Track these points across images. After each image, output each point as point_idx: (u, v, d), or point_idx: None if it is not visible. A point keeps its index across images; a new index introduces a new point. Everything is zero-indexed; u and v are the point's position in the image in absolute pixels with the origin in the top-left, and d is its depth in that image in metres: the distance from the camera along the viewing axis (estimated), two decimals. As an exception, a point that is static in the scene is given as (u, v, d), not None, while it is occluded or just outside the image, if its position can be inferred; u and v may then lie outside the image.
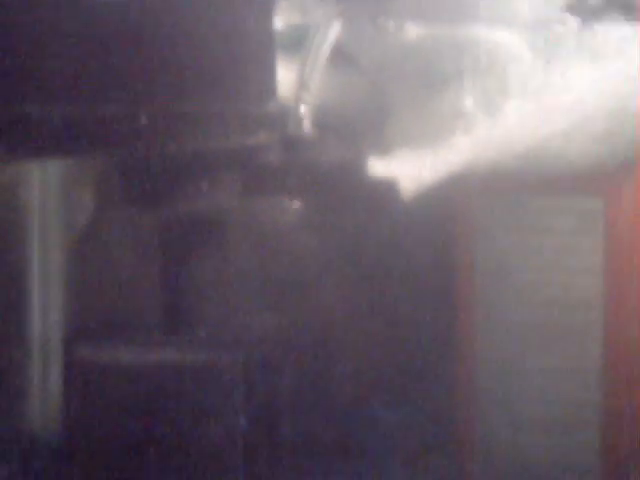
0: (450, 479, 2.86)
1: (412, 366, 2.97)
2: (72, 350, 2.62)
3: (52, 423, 3.14)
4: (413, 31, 2.57)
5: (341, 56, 2.59)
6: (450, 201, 2.84)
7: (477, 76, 2.57)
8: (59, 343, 2.99)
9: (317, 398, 2.76)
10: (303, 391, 2.69)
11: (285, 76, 2.49)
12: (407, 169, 2.55)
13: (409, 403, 2.97)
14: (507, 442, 2.88)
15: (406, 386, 2.97)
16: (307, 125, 2.49)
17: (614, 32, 2.61)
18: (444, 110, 2.61)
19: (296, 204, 2.77)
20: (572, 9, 2.56)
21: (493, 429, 2.89)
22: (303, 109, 2.49)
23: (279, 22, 2.56)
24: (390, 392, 2.98)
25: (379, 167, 2.53)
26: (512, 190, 2.84)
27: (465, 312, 2.92)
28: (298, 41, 2.53)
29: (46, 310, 3.16)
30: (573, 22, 2.60)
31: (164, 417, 2.48)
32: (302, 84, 2.48)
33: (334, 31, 2.48)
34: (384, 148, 2.56)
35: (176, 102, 2.31)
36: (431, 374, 2.96)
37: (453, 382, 2.91)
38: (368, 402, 2.98)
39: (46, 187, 3.07)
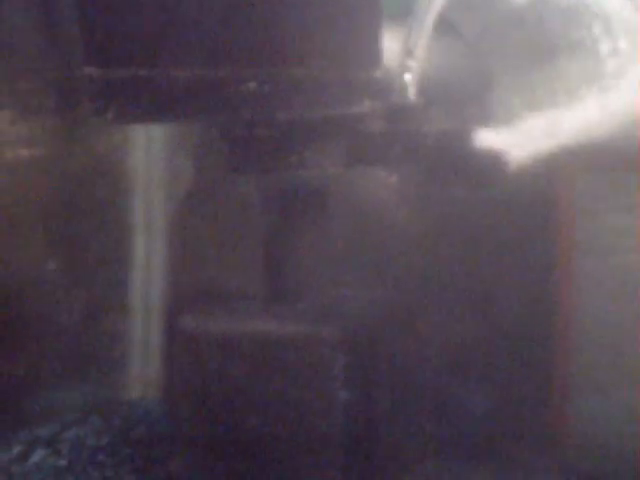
0: (543, 463, 2.82)
1: (506, 349, 2.94)
2: (174, 320, 2.63)
3: (152, 391, 3.20)
4: (520, -2, 2.54)
5: (446, 24, 2.58)
6: (553, 176, 2.80)
7: (587, 45, 2.52)
8: (161, 313, 3.04)
9: (413, 372, 2.74)
10: (401, 366, 2.67)
11: (391, 43, 2.48)
12: (510, 141, 2.52)
13: (502, 388, 2.94)
14: (603, 430, 2.82)
15: (499, 370, 2.94)
16: (412, 93, 2.48)
17: None
18: (550, 81, 2.57)
19: (400, 173, 2.76)
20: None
21: (589, 416, 2.84)
22: (408, 77, 2.48)
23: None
24: (482, 375, 2.95)
25: (482, 138, 2.50)
26: (616, 167, 2.79)
27: (564, 293, 2.87)
28: (404, 8, 2.52)
29: (149, 279, 3.22)
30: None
31: (264, 387, 2.48)
32: (407, 52, 2.47)
33: (440, -2, 2.47)
34: (488, 119, 2.53)
35: (284, 68, 2.33)
36: (526, 357, 2.92)
37: (549, 367, 2.87)
38: (460, 383, 2.96)
39: (151, 152, 3.12)
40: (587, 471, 2.79)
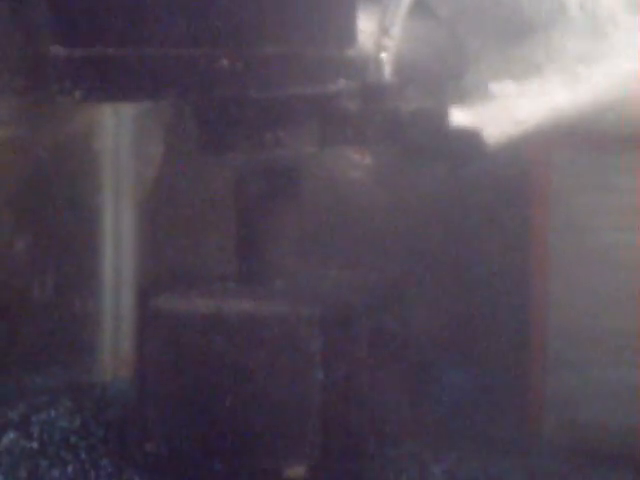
0: (522, 440, 2.84)
1: (485, 326, 2.96)
2: (146, 301, 2.60)
3: (124, 373, 3.18)
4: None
5: (421, 3, 2.56)
6: (528, 155, 2.81)
7: (561, 26, 2.52)
8: (132, 294, 3.02)
9: (392, 351, 2.75)
10: (379, 344, 2.68)
11: (366, 23, 2.47)
12: (485, 121, 2.52)
13: (482, 364, 2.96)
14: (579, 404, 2.84)
15: (479, 347, 2.96)
16: (387, 72, 2.46)
17: None
18: (524, 62, 2.57)
19: (376, 152, 2.76)
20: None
21: (565, 390, 2.86)
22: (383, 56, 2.47)
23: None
24: (461, 354, 2.97)
25: (458, 117, 2.50)
26: (592, 147, 2.80)
27: (539, 271, 2.89)
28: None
29: (119, 260, 3.20)
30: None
31: (242, 366, 2.47)
32: (383, 31, 2.45)
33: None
34: (463, 98, 2.53)
35: (257, 45, 2.30)
36: (504, 335, 2.94)
37: (526, 343, 2.88)
38: (442, 360, 2.98)
39: (119, 134, 3.10)
40: (565, 446, 2.81)
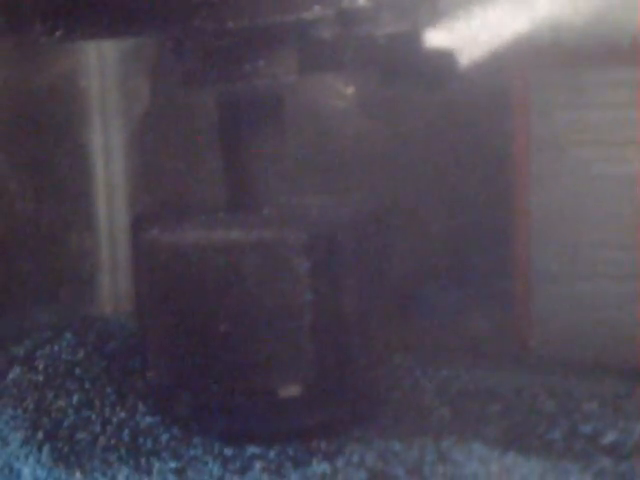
0: (510, 355, 2.91)
1: (469, 246, 3.01)
2: (139, 233, 2.65)
3: (124, 306, 3.26)
4: None
5: None
6: (506, 74, 2.83)
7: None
8: (126, 227, 3.07)
9: (379, 274, 2.80)
10: (365, 267, 2.73)
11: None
12: (463, 41, 2.54)
13: (469, 282, 3.01)
14: (563, 316, 2.91)
15: (464, 268, 3.01)
16: (361, -3, 2.48)
17: None
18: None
19: (353, 78, 2.77)
20: None
21: (550, 304, 2.93)
22: (357, -19, 2.47)
23: None
24: (449, 271, 3.02)
25: (435, 38, 2.52)
26: (568, 63, 2.82)
27: (521, 188, 2.93)
28: None
29: (111, 195, 3.25)
30: None
31: (233, 294, 2.52)
32: (355, -45, 2.45)
33: None
34: (439, 18, 2.54)
35: (231, -24, 2.33)
36: (488, 252, 2.99)
37: (509, 259, 2.94)
38: (428, 279, 3.03)
39: (104, 73, 3.13)
40: (549, 357, 2.88)
